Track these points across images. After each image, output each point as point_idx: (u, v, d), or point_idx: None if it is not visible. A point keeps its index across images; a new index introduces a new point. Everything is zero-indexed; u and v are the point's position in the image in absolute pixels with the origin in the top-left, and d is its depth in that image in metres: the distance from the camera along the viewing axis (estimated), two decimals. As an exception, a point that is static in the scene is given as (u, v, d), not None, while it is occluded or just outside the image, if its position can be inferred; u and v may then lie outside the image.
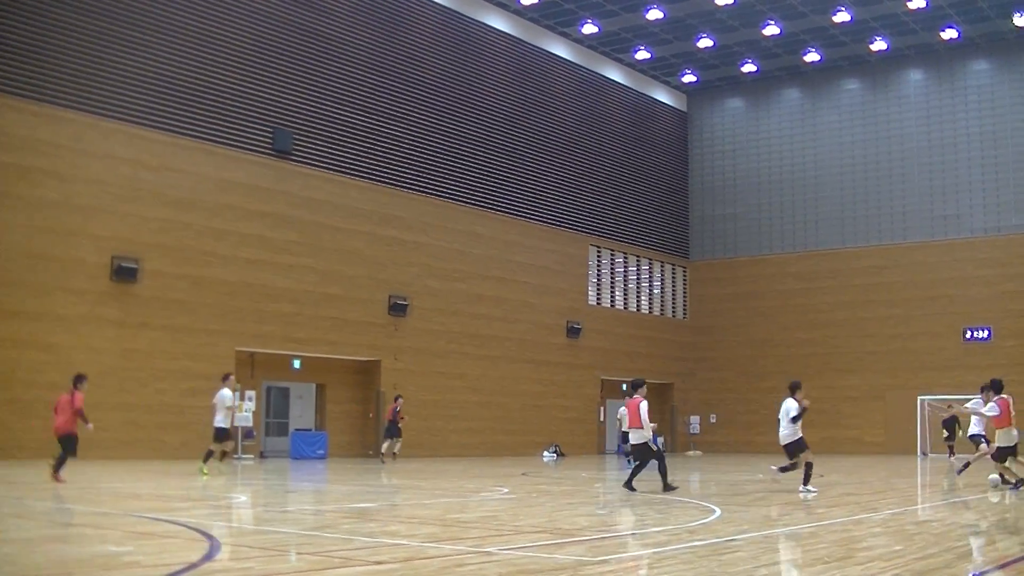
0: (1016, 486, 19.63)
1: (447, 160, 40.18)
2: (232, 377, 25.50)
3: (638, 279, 50.93)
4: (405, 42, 39.14)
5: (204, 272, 32.06)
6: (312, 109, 35.59)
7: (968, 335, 45.90)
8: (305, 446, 34.69)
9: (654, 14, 43.07)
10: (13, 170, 28.05)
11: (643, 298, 51.23)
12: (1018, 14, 43.22)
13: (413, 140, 38.86)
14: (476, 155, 41.49)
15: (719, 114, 53.32)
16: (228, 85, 33.16)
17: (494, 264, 41.77)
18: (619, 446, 37.03)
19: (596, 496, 19.44)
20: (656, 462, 19.04)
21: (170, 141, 31.45)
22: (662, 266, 52.12)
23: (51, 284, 28.53)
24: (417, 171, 38.91)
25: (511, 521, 13.49)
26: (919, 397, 44.17)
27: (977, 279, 45.96)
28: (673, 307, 52.85)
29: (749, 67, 49.60)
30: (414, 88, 39.22)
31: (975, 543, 11.69)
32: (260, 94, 34.04)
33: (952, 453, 34.12)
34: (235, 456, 31.93)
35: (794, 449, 19.50)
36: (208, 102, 32.56)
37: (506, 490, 19.52)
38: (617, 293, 49.57)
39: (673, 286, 52.89)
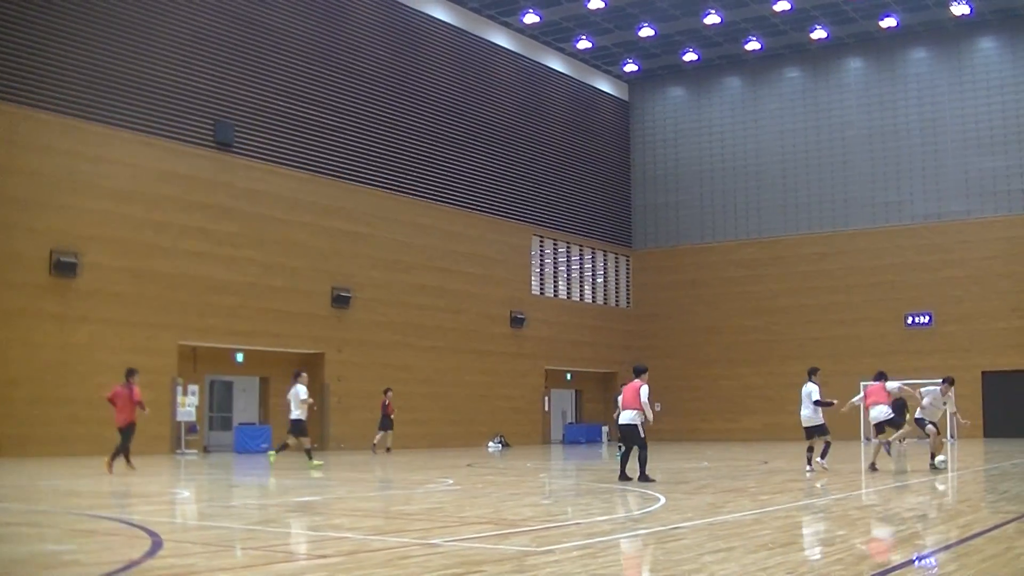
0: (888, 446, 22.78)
1: (390, 151, 39.99)
2: (304, 374, 26.00)
3: (581, 268, 51.05)
4: (346, 33, 38.91)
5: (145, 265, 31.66)
6: (253, 100, 35.26)
7: (910, 321, 46.53)
8: (249, 440, 34.49)
9: (595, 3, 43.16)
10: (-54, 163, 27.58)
11: (587, 287, 51.37)
12: (956, 3, 43.77)
13: (355, 131, 38.64)
14: (418, 146, 41.32)
15: (661, 103, 53.48)
16: (168, 76, 32.73)
17: (437, 255, 41.65)
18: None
19: (541, 486, 19.45)
20: (639, 449, 18.94)
21: (108, 133, 30.99)
22: (605, 255, 52.28)
23: (-13, 279, 28.08)
24: (359, 162, 38.70)
25: (456, 512, 13.46)
26: (861, 383, 44.34)
27: (918, 265, 46.55)
28: (617, 296, 53.03)
29: (691, 56, 49.79)
30: (356, 79, 39.00)
31: (918, 527, 11.80)
32: (201, 85, 33.66)
33: (900, 440, 34.40)
34: (179, 452, 31.65)
35: (814, 432, 21.07)
36: (148, 93, 32.12)
37: (451, 481, 19.49)
38: (560, 283, 49.67)
39: (616, 275, 53.05)
